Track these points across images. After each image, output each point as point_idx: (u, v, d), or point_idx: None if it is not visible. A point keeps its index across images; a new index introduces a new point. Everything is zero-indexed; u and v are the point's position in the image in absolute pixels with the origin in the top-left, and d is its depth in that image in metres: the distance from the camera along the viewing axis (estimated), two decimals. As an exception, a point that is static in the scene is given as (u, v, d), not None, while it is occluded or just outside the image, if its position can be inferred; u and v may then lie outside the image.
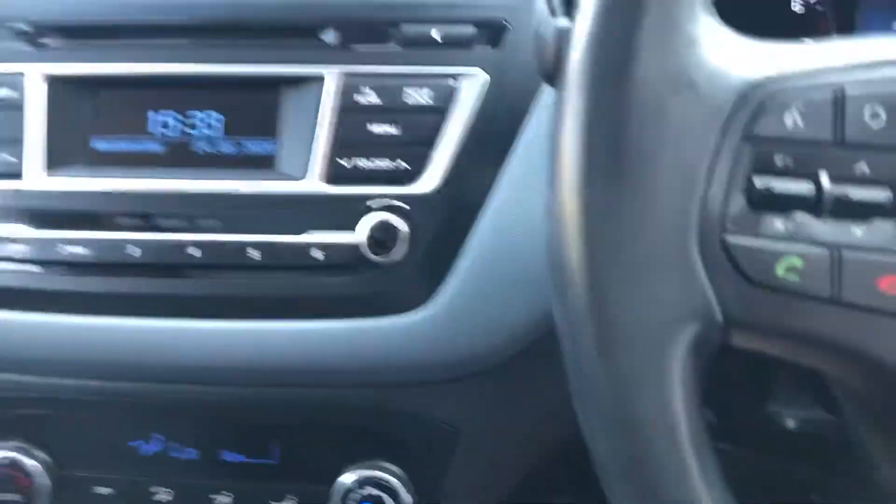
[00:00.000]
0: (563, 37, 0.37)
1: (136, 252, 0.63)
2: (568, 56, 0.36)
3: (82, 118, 0.66)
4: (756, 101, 0.34)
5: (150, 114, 0.66)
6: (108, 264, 0.64)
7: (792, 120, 0.34)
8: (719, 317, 0.34)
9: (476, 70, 0.64)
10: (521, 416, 0.69)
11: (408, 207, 0.62)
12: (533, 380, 0.64)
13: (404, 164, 0.63)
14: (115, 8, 0.67)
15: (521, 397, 0.67)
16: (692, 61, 0.34)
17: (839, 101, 0.34)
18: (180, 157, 0.65)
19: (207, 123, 0.66)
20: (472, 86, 0.64)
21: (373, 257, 0.62)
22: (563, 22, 0.38)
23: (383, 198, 0.62)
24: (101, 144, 0.66)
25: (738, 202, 0.34)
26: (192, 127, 0.65)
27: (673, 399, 0.34)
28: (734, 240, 0.34)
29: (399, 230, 0.61)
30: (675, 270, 0.34)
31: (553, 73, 0.38)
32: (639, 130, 0.34)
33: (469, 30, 0.65)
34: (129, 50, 0.66)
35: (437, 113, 0.63)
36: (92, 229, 0.64)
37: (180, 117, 0.66)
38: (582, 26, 0.35)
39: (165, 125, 0.66)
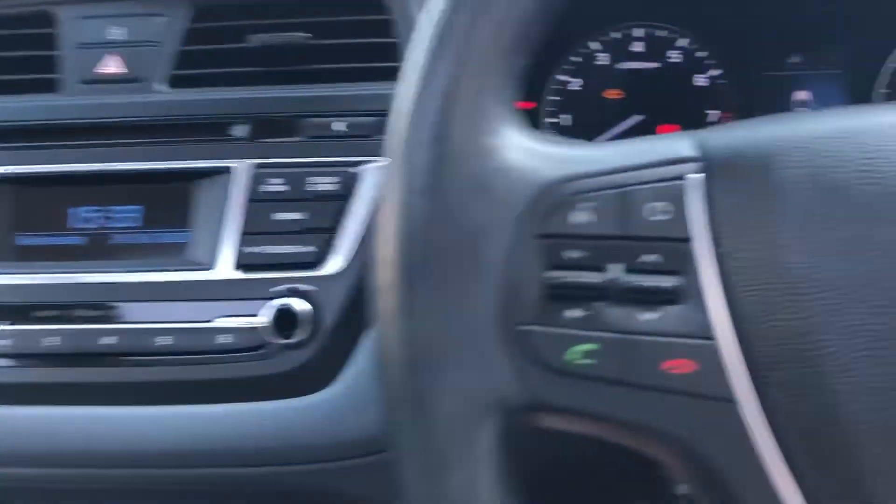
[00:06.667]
0: None
1: (54, 342, 0.66)
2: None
3: (7, 216, 0.70)
4: (549, 201, 0.37)
5: (71, 210, 0.69)
6: (26, 355, 0.66)
7: (582, 217, 0.37)
8: (523, 401, 0.37)
9: (377, 158, 0.68)
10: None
11: (313, 290, 0.65)
12: None
13: (310, 249, 0.66)
14: (38, 112, 0.72)
15: None
16: (490, 168, 0.37)
17: (625, 199, 0.37)
18: (99, 249, 0.69)
19: (125, 217, 0.69)
20: (373, 173, 0.67)
21: (277, 340, 0.64)
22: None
23: (288, 282, 0.65)
24: (24, 240, 0.70)
25: (535, 296, 0.37)
26: (111, 220, 0.69)
27: (480, 479, 0.37)
28: (532, 329, 0.37)
29: (301, 313, 0.64)
30: (478, 362, 0.37)
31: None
32: (442, 231, 0.37)
33: (370, 121, 0.69)
34: (50, 150, 0.71)
35: (341, 199, 0.67)
36: (13, 322, 0.67)
37: (99, 212, 0.69)
38: (393, 141, 0.39)
39: (86, 220, 0.69)
